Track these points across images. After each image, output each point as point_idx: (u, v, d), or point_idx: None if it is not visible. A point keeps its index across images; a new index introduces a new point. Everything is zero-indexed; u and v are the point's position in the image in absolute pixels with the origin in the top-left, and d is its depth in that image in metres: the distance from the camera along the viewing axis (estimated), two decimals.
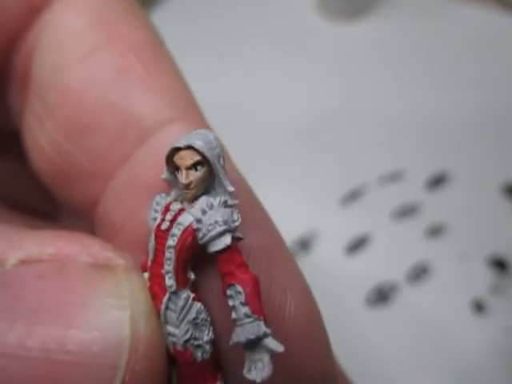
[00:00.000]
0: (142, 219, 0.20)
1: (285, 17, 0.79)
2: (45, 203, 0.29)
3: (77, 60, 0.22)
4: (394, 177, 0.61)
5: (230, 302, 0.17)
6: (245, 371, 0.17)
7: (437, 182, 0.60)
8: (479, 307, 0.51)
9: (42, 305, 0.16)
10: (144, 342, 0.16)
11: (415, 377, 0.48)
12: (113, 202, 0.22)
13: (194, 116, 0.22)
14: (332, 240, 0.57)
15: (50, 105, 0.22)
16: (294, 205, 0.57)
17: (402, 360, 0.49)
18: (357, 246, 0.56)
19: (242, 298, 0.17)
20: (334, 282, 0.53)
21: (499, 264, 0.54)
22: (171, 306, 0.18)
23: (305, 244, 0.56)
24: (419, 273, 0.54)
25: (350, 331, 0.50)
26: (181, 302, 0.18)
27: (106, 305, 0.16)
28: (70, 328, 0.16)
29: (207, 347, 0.18)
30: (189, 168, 0.18)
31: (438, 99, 0.68)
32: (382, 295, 0.53)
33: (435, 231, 0.57)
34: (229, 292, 0.18)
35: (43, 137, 0.23)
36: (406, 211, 0.58)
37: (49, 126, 0.22)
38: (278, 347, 0.17)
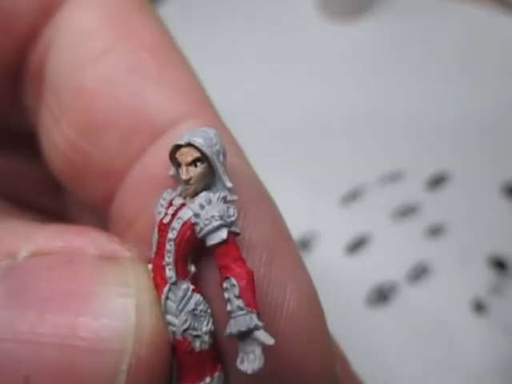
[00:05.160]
0: (152, 215, 0.20)
1: (285, 16, 0.80)
2: (52, 202, 0.29)
3: (91, 59, 0.22)
4: (394, 177, 0.61)
5: (226, 295, 0.18)
6: (238, 362, 0.18)
7: (437, 181, 0.60)
8: (479, 307, 0.51)
9: (53, 294, 0.17)
10: (149, 329, 0.17)
11: (415, 376, 0.48)
12: (126, 198, 0.22)
13: (207, 113, 0.22)
14: (332, 240, 0.57)
15: (65, 103, 0.23)
16: (294, 205, 0.57)
17: (402, 360, 0.49)
18: (357, 245, 0.56)
19: (236, 290, 0.18)
20: (334, 281, 0.53)
21: (499, 264, 0.54)
22: (171, 296, 0.18)
23: (305, 244, 0.56)
24: (419, 273, 0.54)
25: (349, 331, 0.50)
26: (180, 293, 0.18)
27: (112, 293, 0.17)
28: (79, 315, 0.16)
29: (206, 338, 0.19)
30: (189, 164, 0.19)
31: (438, 99, 0.68)
32: (382, 295, 0.53)
33: (435, 231, 0.57)
34: (224, 285, 0.18)
35: (59, 135, 0.23)
36: (406, 211, 0.58)
37: (64, 125, 0.23)
38: (269, 340, 0.17)
